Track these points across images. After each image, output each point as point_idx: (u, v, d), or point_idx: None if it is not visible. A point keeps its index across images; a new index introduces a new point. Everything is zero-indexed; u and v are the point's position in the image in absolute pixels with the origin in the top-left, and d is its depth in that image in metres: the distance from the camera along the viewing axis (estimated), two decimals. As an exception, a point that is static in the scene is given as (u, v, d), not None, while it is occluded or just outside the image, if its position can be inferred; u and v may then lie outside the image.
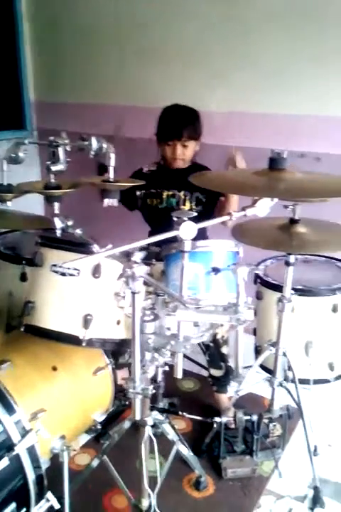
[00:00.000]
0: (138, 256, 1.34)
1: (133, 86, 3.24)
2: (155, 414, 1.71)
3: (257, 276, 2.30)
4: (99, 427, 1.93)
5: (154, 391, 2.22)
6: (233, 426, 2.20)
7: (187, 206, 2.42)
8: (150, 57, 3.12)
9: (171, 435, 1.81)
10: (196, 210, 2.40)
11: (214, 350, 2.28)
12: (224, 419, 2.09)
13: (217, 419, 2.09)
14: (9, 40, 3.55)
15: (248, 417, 2.08)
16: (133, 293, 1.36)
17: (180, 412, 2.21)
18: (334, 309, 2.14)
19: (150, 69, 3.13)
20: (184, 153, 2.37)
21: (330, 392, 2.42)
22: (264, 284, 2.25)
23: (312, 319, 2.17)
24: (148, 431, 1.61)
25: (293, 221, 1.83)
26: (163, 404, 2.29)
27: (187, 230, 1.39)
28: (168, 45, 3.05)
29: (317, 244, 1.81)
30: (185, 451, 1.88)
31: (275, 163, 1.49)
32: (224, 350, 2.27)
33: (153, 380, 2.25)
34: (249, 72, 2.83)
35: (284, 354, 2.01)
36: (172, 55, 3.04)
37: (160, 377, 2.12)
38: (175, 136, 2.33)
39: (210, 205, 2.42)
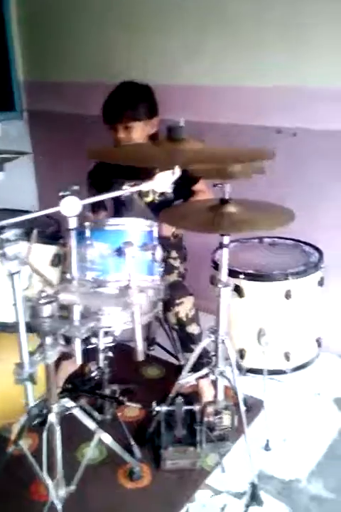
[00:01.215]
0: (10, 234, 1.26)
1: (121, 63, 3.12)
2: (65, 401, 1.63)
3: (212, 260, 2.17)
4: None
5: (97, 376, 2.22)
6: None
7: (150, 198, 2.30)
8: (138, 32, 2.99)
9: (88, 423, 1.72)
10: (159, 201, 2.29)
11: (180, 333, 2.17)
12: (164, 408, 1.98)
13: (157, 408, 1.99)
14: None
15: (189, 407, 1.97)
16: (11, 274, 1.29)
17: (121, 399, 2.11)
18: (287, 295, 1.99)
19: (141, 44, 3.00)
20: (129, 137, 2.18)
21: (288, 384, 2.27)
22: (217, 268, 2.11)
23: (264, 306, 2.04)
24: (51, 418, 1.54)
25: (223, 201, 1.70)
26: (109, 390, 2.19)
27: (68, 206, 1.29)
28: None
29: (248, 223, 1.67)
30: (108, 440, 1.79)
31: (173, 132, 1.36)
32: (192, 329, 2.14)
33: (96, 365, 2.21)
34: (220, 42, 2.66)
35: (223, 342, 1.87)
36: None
37: (101, 363, 2.10)
38: (115, 118, 2.18)
39: (180, 195, 2.27)
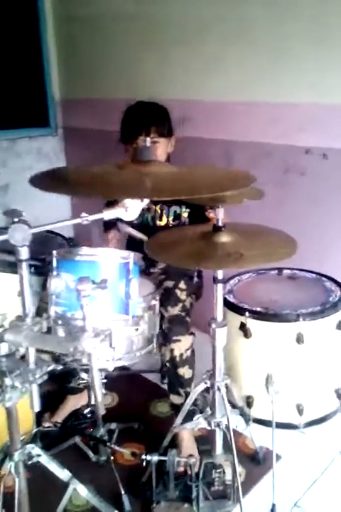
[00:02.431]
0: None
1: (150, 80, 3.00)
2: (30, 447, 1.47)
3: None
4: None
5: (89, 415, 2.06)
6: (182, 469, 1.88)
7: (164, 221, 2.16)
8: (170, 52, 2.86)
9: (60, 473, 1.55)
10: (174, 225, 2.17)
11: (171, 372, 1.98)
12: (155, 458, 1.78)
13: (148, 457, 1.79)
14: (33, 37, 3.51)
15: (183, 459, 1.76)
16: None
17: (109, 444, 1.93)
18: (299, 339, 1.73)
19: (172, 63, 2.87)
20: (154, 152, 2.05)
21: (306, 439, 1.99)
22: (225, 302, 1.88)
23: (273, 349, 1.78)
24: (9, 467, 1.39)
25: (216, 228, 1.49)
26: (105, 429, 2.02)
27: (17, 234, 1.15)
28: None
29: (242, 257, 1.45)
30: (84, 492, 1.61)
31: (138, 154, 1.19)
32: (183, 371, 1.96)
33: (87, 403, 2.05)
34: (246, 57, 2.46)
35: (219, 389, 1.65)
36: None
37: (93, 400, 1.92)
38: (142, 131, 2.05)
39: (195, 220, 2.12)
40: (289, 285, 2.04)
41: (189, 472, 1.77)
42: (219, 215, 1.48)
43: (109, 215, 1.20)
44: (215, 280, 1.55)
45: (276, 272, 2.11)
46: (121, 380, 2.35)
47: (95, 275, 1.35)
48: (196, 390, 1.73)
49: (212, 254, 1.46)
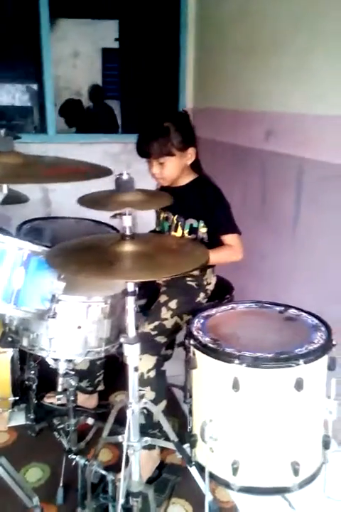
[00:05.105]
0: None
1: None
2: None
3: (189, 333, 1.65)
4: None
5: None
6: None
7: (179, 233, 2.09)
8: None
9: None
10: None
11: None
12: (82, 461, 1.75)
13: (77, 458, 1.77)
14: (172, 45, 3.67)
15: (101, 471, 1.70)
16: None
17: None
18: (299, 386, 1.49)
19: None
20: (161, 172, 1.99)
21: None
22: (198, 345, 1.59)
23: (266, 401, 1.55)
24: None
25: (124, 237, 1.41)
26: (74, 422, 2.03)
27: None
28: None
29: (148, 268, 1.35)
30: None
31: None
32: (143, 392, 1.86)
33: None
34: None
35: (133, 412, 1.54)
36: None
37: (60, 388, 1.98)
38: (144, 155, 2.00)
39: (213, 240, 2.04)
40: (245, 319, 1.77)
41: (106, 488, 1.68)
42: (126, 223, 1.39)
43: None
44: (126, 293, 1.45)
45: (278, 310, 1.84)
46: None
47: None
48: (114, 409, 1.65)
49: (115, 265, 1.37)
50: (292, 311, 1.82)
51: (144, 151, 1.96)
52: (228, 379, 1.50)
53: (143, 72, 4.27)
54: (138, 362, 1.51)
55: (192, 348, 1.62)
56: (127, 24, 4.71)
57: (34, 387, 2.18)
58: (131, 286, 1.44)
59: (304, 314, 1.79)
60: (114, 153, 3.56)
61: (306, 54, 2.37)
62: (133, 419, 1.56)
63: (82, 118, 5.42)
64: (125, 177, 1.34)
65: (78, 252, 1.38)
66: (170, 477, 1.95)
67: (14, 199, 2.20)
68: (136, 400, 1.55)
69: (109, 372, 2.36)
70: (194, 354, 1.62)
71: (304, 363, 1.48)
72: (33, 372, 2.17)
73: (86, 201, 1.34)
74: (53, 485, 1.90)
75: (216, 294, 2.20)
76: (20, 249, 1.44)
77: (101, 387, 2.34)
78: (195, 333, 1.65)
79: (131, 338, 1.49)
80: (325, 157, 2.26)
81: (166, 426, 1.69)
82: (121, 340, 1.49)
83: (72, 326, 1.70)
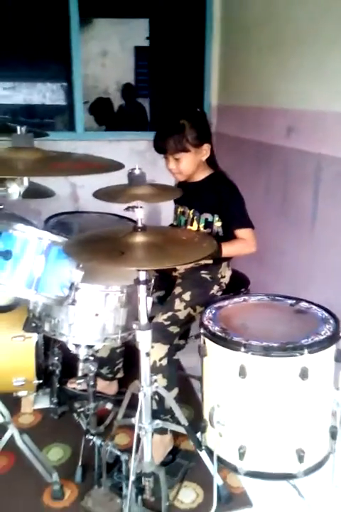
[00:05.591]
0: None
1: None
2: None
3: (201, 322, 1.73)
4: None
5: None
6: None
7: (195, 226, 2.15)
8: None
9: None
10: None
11: None
12: (98, 442, 1.84)
13: (94, 439, 1.87)
14: (198, 44, 3.73)
15: (116, 452, 1.79)
16: None
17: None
18: (304, 375, 1.55)
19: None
20: (178, 167, 2.06)
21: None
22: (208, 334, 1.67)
23: (272, 389, 1.61)
24: None
25: (136, 228, 1.50)
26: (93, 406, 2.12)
27: None
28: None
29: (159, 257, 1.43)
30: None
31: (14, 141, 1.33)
32: (156, 378, 1.91)
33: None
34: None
35: (144, 395, 1.63)
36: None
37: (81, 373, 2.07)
38: (160, 151, 2.07)
39: (227, 234, 2.11)
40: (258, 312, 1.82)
41: (121, 468, 1.77)
42: (139, 215, 1.47)
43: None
44: (138, 281, 1.53)
45: (290, 303, 1.89)
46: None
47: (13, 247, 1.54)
48: (128, 392, 1.73)
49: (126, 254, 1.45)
50: (303, 304, 1.86)
51: (160, 147, 2.04)
52: (235, 366, 1.56)
53: (172, 71, 4.35)
54: (149, 348, 1.59)
55: (202, 337, 1.69)
56: (157, 23, 4.78)
57: (57, 372, 2.29)
58: (142, 275, 1.52)
59: (314, 307, 1.83)
60: (140, 150, 3.64)
61: (326, 54, 2.39)
62: (145, 402, 1.64)
63: (111, 116, 5.53)
64: (137, 172, 1.42)
65: (92, 243, 1.48)
66: (183, 462, 2.02)
67: (41, 193, 2.32)
68: (148, 384, 1.63)
69: (129, 361, 2.44)
70: (204, 342, 1.69)
71: (308, 353, 1.53)
72: (56, 358, 2.28)
73: (101, 194, 1.43)
74: (73, 464, 2.00)
75: (231, 287, 2.26)
76: (40, 238, 1.54)
77: (120, 375, 2.42)
78: (206, 322, 1.72)
79: (143, 324, 1.57)
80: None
81: (178, 411, 1.76)
82: (134, 326, 1.57)
83: (91, 313, 1.79)
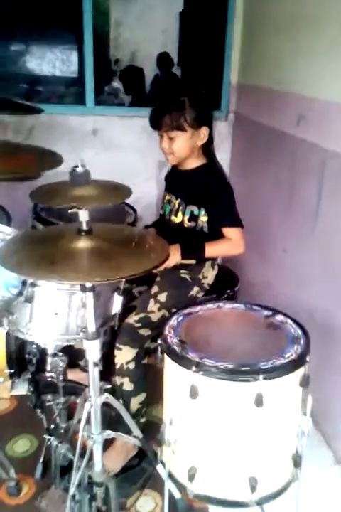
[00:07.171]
0: None
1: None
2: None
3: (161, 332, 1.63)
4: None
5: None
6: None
7: (179, 218, 2.03)
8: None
9: None
10: (189, 227, 2.00)
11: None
12: (54, 443, 1.79)
13: (51, 439, 1.82)
14: (220, 18, 3.52)
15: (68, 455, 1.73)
16: None
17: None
18: (258, 402, 1.43)
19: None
20: (171, 147, 1.94)
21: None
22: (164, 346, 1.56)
23: (224, 413, 1.50)
24: None
25: (81, 231, 1.39)
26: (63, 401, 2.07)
27: None
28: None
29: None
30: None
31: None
32: (121, 381, 1.91)
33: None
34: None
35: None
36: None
37: (49, 367, 2.02)
38: (155, 126, 1.95)
39: (213, 231, 1.99)
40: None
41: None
42: (83, 216, 1.36)
43: None
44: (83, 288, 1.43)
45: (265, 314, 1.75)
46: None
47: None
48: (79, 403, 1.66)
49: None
50: (278, 317, 1.72)
51: (156, 122, 1.92)
52: (186, 385, 1.45)
53: (199, 45, 4.17)
54: (98, 357, 1.50)
55: (159, 347, 1.59)
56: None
57: (34, 361, 2.24)
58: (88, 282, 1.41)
59: (290, 322, 1.69)
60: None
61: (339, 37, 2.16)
62: (94, 412, 1.56)
63: (140, 88, 5.29)
64: (80, 170, 1.30)
65: (29, 245, 1.37)
66: (147, 467, 1.95)
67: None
68: (97, 394, 1.54)
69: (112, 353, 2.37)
70: (162, 353, 1.59)
71: (263, 379, 1.39)
72: (35, 346, 2.23)
73: (38, 195, 1.32)
74: (37, 459, 1.97)
75: (217, 288, 2.13)
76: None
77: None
78: (166, 331, 1.61)
79: (90, 333, 1.47)
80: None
81: (131, 423, 1.67)
82: (80, 335, 1.48)
83: (49, 311, 1.71)
